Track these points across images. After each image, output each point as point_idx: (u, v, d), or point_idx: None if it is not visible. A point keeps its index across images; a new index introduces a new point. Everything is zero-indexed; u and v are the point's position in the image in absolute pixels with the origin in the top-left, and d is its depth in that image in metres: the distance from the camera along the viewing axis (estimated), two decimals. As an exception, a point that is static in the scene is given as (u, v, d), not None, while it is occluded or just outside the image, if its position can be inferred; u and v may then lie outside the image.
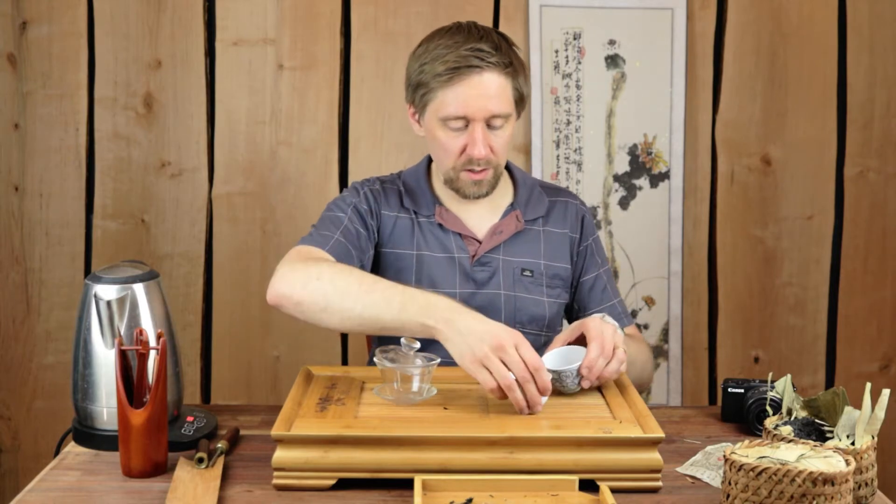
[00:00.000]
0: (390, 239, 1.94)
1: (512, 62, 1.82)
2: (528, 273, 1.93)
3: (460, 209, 1.95)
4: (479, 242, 1.93)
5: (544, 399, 1.56)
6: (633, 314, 2.91)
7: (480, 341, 1.52)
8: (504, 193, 1.98)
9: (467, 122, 1.81)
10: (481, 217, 1.95)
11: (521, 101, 1.87)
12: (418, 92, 1.85)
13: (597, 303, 1.99)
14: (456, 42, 1.80)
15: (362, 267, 1.87)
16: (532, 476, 1.44)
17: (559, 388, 1.65)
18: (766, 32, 2.89)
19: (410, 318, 1.59)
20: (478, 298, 1.90)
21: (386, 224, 1.94)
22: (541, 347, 1.96)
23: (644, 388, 1.99)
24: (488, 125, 1.82)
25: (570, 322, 2.11)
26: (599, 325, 1.65)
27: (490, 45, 1.80)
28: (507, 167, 2.02)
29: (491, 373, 1.52)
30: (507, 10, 2.87)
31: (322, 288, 1.65)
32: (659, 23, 2.88)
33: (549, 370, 1.60)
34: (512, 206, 1.96)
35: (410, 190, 1.97)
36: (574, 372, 1.63)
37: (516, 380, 1.51)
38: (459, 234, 1.92)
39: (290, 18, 2.86)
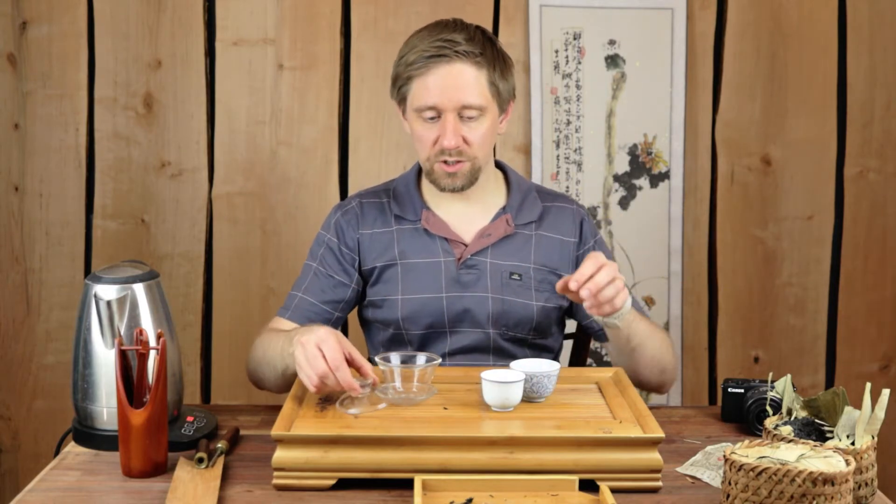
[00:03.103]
0: (371, 255, 1.93)
1: (484, 53, 1.82)
2: (516, 276, 1.91)
3: (448, 212, 1.93)
4: (466, 245, 1.91)
5: (365, 391, 1.60)
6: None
7: (299, 351, 1.60)
8: (496, 196, 1.96)
9: (440, 113, 1.81)
10: (470, 220, 1.93)
11: (499, 95, 1.86)
12: (397, 84, 1.87)
13: None
14: (431, 34, 1.83)
15: (354, 291, 1.94)
16: (532, 476, 1.44)
17: (528, 394, 1.64)
18: (766, 32, 2.89)
19: (285, 355, 1.71)
20: (464, 301, 1.89)
21: (363, 243, 1.94)
22: (531, 351, 1.94)
23: (667, 380, 1.90)
24: (462, 117, 1.81)
25: (577, 324, 2.11)
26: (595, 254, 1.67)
27: (464, 36, 1.81)
28: (503, 170, 2.00)
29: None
30: (507, 10, 2.87)
31: (253, 370, 1.91)
32: (659, 23, 2.88)
33: (525, 374, 1.62)
34: (503, 210, 1.94)
35: (399, 196, 1.96)
36: (540, 378, 1.62)
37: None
38: (445, 239, 1.91)
39: (290, 18, 2.86)
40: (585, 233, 1.98)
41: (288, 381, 1.77)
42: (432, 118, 1.82)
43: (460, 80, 1.79)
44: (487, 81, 1.82)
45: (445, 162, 1.83)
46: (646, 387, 1.90)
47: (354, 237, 1.94)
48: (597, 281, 1.62)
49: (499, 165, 2.01)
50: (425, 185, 1.95)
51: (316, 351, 1.57)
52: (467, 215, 1.93)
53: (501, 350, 1.91)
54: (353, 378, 1.58)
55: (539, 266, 1.92)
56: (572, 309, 1.99)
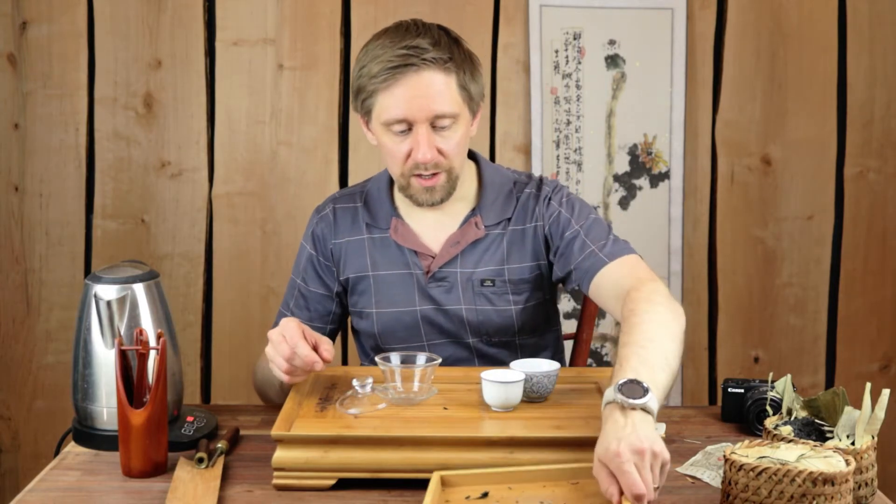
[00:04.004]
0: (347, 264, 1.88)
1: (453, 57, 1.70)
2: (488, 283, 1.82)
3: (418, 220, 1.85)
4: (434, 257, 1.83)
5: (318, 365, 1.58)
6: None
7: (268, 348, 1.61)
8: (465, 198, 1.85)
9: (410, 125, 1.70)
10: (439, 227, 1.84)
11: (470, 98, 1.74)
12: (359, 97, 1.75)
13: (576, 257, 1.78)
14: (393, 41, 1.70)
15: (339, 303, 1.92)
16: (551, 466, 1.41)
17: (528, 394, 1.64)
18: (766, 32, 2.89)
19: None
20: (440, 316, 1.83)
21: (337, 252, 1.89)
22: (516, 353, 1.88)
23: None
24: (434, 126, 1.71)
25: (568, 293, 2.01)
26: (616, 462, 1.27)
27: (429, 40, 1.69)
28: (477, 163, 1.90)
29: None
30: (507, 10, 2.87)
31: (258, 393, 1.91)
32: (659, 23, 2.88)
33: (525, 374, 1.61)
34: (473, 212, 1.84)
35: (371, 201, 1.89)
36: (540, 378, 1.61)
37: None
38: (414, 251, 1.83)
39: (290, 18, 2.86)
40: (551, 207, 1.84)
41: (285, 392, 1.75)
42: (403, 131, 1.71)
43: (430, 89, 1.68)
44: (458, 86, 1.71)
45: (421, 176, 1.74)
46: None
47: (329, 247, 1.89)
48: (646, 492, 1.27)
49: (472, 156, 1.90)
50: (397, 189, 1.86)
51: (279, 338, 1.57)
52: (438, 222, 1.84)
53: (486, 357, 1.86)
54: (313, 352, 1.57)
55: (513, 265, 1.83)
56: (561, 282, 1.86)
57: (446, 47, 1.71)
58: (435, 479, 1.37)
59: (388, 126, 1.72)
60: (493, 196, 1.85)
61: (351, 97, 1.79)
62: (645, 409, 1.34)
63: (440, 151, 1.72)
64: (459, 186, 1.81)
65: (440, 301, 1.83)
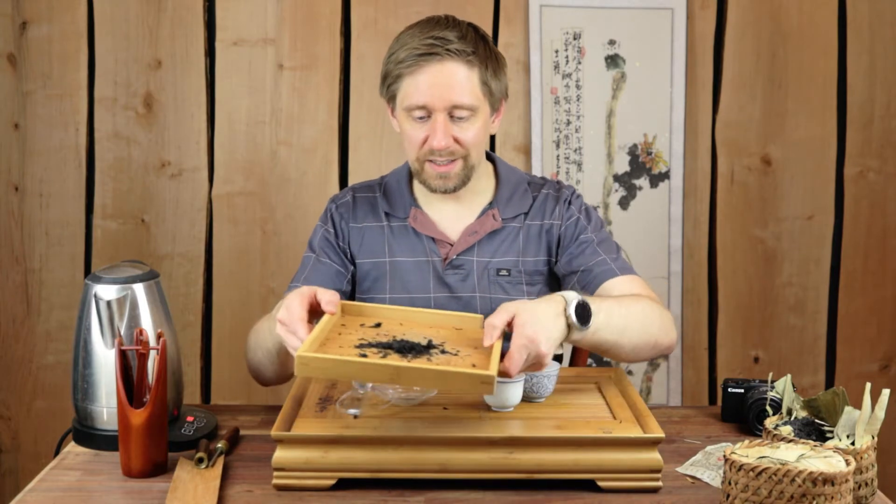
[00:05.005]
0: (362, 250, 1.92)
1: (476, 51, 1.77)
2: (504, 272, 1.88)
3: (437, 210, 1.91)
4: (452, 245, 1.89)
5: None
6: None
7: (279, 328, 1.54)
8: (483, 192, 1.92)
9: (430, 112, 1.77)
10: (457, 218, 1.90)
11: (491, 94, 1.81)
12: (386, 82, 1.83)
13: (587, 260, 1.87)
14: (422, 31, 1.78)
15: (350, 283, 1.93)
16: (441, 312, 1.63)
17: (528, 393, 1.64)
18: (766, 32, 2.89)
19: (274, 333, 1.62)
20: (454, 303, 1.87)
21: (354, 237, 1.93)
22: None
23: (664, 349, 1.78)
24: (452, 116, 1.77)
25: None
26: (523, 340, 1.46)
27: (455, 33, 1.76)
28: (493, 162, 1.96)
29: None
30: (507, 10, 2.87)
31: (250, 359, 1.84)
32: (659, 23, 2.88)
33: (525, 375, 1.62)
34: (490, 205, 1.90)
35: (390, 192, 1.94)
36: (540, 378, 1.62)
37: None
38: (432, 238, 1.89)
39: (290, 18, 2.86)
40: (570, 210, 1.92)
41: (284, 362, 1.74)
42: (422, 118, 1.78)
43: (451, 80, 1.75)
44: (479, 80, 1.78)
45: (433, 161, 1.80)
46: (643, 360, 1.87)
47: (347, 230, 1.94)
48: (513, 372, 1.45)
49: (489, 157, 1.97)
50: (416, 180, 1.92)
51: (286, 314, 1.52)
52: (456, 213, 1.90)
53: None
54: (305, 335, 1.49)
55: (528, 258, 1.90)
56: (560, 279, 1.93)
57: (472, 42, 1.78)
58: (338, 310, 1.56)
59: (409, 112, 1.79)
60: (510, 192, 1.93)
61: (379, 84, 1.86)
62: (572, 327, 1.54)
63: (457, 140, 1.79)
64: (476, 181, 1.89)
65: (455, 288, 1.88)
